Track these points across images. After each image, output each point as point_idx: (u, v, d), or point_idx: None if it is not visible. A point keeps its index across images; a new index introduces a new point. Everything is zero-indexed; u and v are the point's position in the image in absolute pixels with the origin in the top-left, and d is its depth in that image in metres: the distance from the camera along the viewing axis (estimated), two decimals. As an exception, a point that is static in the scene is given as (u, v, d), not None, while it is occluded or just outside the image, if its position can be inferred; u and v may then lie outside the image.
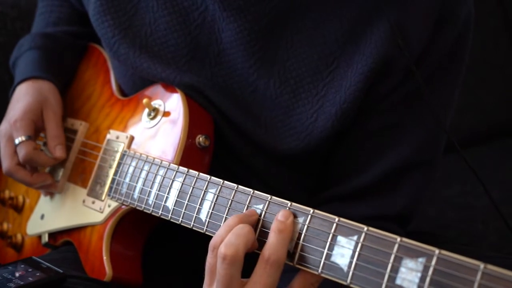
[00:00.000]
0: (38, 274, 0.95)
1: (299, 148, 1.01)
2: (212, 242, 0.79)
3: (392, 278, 0.68)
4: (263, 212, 0.81)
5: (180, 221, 0.90)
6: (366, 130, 1.03)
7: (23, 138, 1.08)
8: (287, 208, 0.79)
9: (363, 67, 0.96)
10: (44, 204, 1.17)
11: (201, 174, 0.90)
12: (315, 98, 1.00)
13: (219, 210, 0.86)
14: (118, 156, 1.05)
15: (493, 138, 1.89)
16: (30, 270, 0.96)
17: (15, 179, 1.11)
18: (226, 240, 0.76)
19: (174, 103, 1.03)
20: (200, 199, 0.88)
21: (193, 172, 0.91)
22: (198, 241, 0.92)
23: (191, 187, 0.90)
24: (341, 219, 0.74)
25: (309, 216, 0.77)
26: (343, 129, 1.01)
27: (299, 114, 1.01)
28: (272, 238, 0.77)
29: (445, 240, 1.16)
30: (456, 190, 1.62)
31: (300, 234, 0.77)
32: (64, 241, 1.12)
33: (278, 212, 0.78)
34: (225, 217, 0.85)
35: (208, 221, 0.86)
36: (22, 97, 1.13)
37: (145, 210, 0.96)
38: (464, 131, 1.83)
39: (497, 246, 1.44)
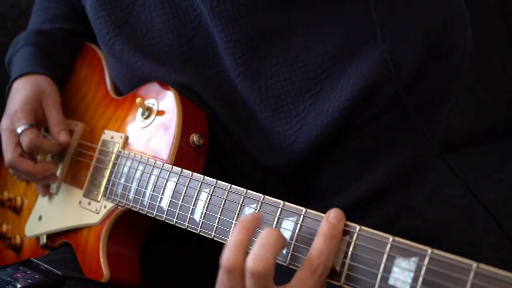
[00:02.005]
0: (37, 276, 0.95)
1: (280, 164, 1.00)
2: (225, 265, 0.70)
3: (385, 278, 0.68)
4: (256, 212, 0.80)
5: (174, 221, 0.90)
6: (347, 151, 1.00)
7: (25, 127, 1.08)
8: (280, 208, 0.78)
9: (348, 93, 0.94)
10: (41, 205, 1.16)
11: (194, 174, 0.89)
12: (294, 120, 0.98)
13: (213, 210, 0.85)
14: (113, 156, 1.04)
15: (493, 138, 1.88)
16: (29, 272, 0.96)
17: (18, 170, 1.11)
18: (254, 253, 0.69)
19: (167, 102, 1.02)
20: (194, 199, 0.88)
21: (186, 172, 0.91)
22: (196, 241, 0.91)
23: (185, 187, 0.90)
24: (333, 219, 0.74)
25: (302, 216, 0.76)
26: (324, 148, 0.99)
27: (277, 134, 0.99)
28: (322, 244, 0.70)
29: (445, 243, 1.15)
30: (456, 190, 1.61)
31: (293, 234, 0.76)
32: (62, 242, 1.11)
33: (329, 212, 0.72)
34: (219, 218, 0.84)
35: (202, 221, 0.86)
36: (20, 90, 1.13)
37: (140, 211, 0.96)
38: (464, 131, 1.83)
39: (497, 246, 1.43)
